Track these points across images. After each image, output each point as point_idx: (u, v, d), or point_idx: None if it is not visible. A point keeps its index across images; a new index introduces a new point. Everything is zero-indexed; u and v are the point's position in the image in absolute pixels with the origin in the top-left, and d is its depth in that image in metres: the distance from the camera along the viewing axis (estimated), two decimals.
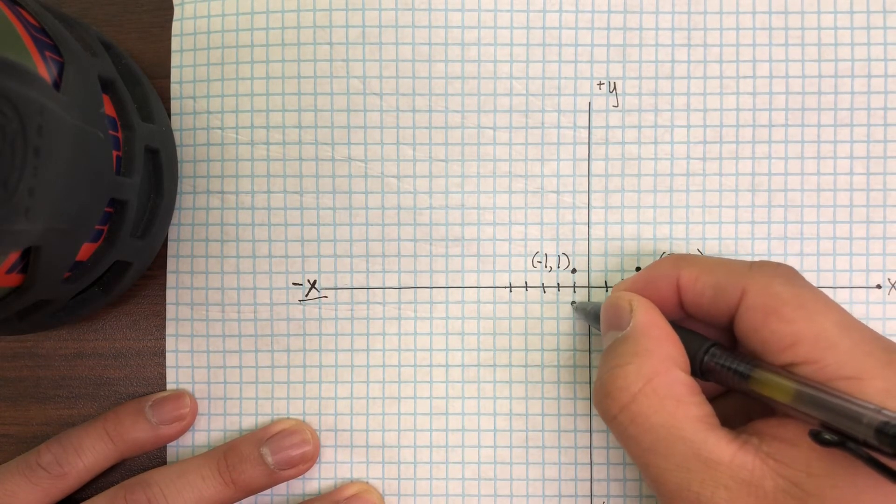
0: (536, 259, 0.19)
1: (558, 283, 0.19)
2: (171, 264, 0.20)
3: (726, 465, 0.13)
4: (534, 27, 0.19)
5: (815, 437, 0.13)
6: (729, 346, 0.15)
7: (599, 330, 0.17)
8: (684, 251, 0.19)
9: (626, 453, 0.18)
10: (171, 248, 0.20)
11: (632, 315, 0.15)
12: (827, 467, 0.13)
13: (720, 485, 0.13)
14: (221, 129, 0.20)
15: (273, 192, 0.19)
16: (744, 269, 0.15)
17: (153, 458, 0.20)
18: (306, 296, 0.19)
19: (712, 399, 0.15)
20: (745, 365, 0.14)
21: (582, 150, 0.19)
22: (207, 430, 0.19)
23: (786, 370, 0.14)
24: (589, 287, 0.19)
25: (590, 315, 0.18)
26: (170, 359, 0.20)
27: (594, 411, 0.19)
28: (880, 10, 0.19)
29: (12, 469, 0.18)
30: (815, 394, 0.13)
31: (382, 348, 0.19)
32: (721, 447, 0.13)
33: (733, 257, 0.19)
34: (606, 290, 0.19)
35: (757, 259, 0.19)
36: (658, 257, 0.19)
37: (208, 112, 0.19)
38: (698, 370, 0.15)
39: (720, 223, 0.19)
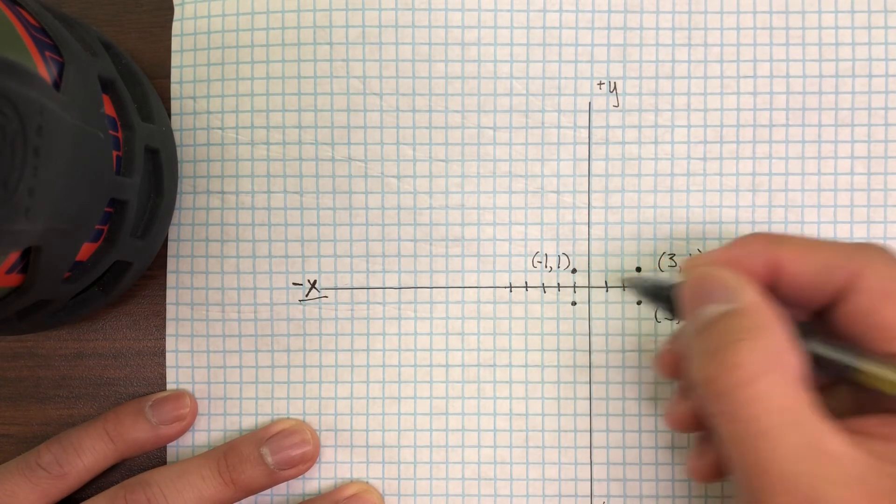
0: (536, 259, 0.19)
1: (558, 283, 0.19)
2: (171, 264, 0.20)
3: (841, 458, 0.12)
4: (534, 27, 0.19)
5: None
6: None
7: (657, 303, 0.16)
8: (685, 252, 0.19)
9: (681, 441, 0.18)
10: (171, 248, 0.20)
11: (741, 290, 0.14)
12: None
13: (834, 478, 0.12)
14: (221, 129, 0.20)
15: (273, 192, 0.19)
16: (853, 249, 0.14)
17: (153, 458, 0.20)
18: (306, 296, 0.19)
19: None
20: (850, 354, 0.14)
21: (582, 150, 0.19)
22: (207, 430, 0.19)
23: (889, 362, 0.13)
24: (589, 287, 0.19)
25: (647, 290, 0.17)
26: (170, 359, 0.20)
27: (594, 411, 0.19)
28: (881, 10, 0.19)
29: (12, 469, 0.18)
30: None
31: (382, 348, 0.19)
32: (837, 440, 0.13)
33: None
34: (607, 290, 0.19)
35: None
36: (658, 257, 0.19)
37: (208, 112, 0.19)
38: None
39: (720, 223, 0.19)
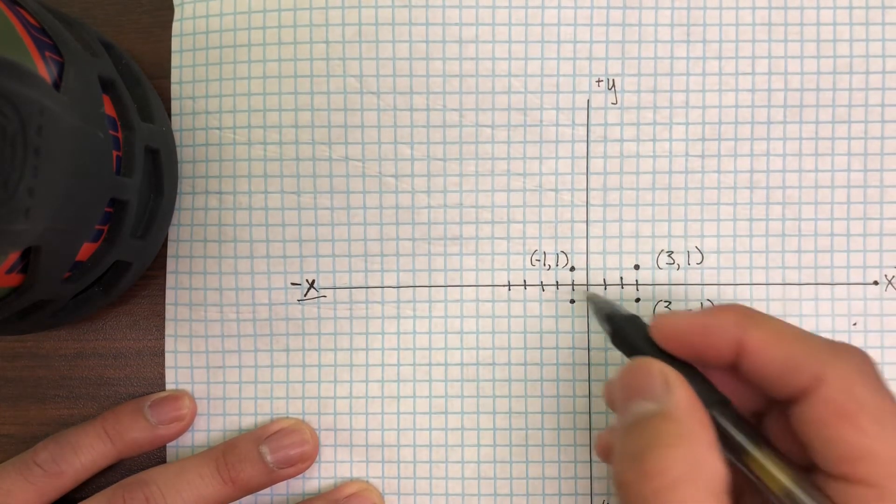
0: (535, 257, 0.19)
1: (557, 282, 0.19)
2: (170, 264, 0.20)
3: None
4: (532, 24, 0.19)
5: None
6: (747, 405, 0.14)
7: (602, 326, 0.16)
8: (682, 250, 0.19)
9: None
10: (171, 249, 0.20)
11: (669, 390, 0.14)
12: None
13: None
14: (220, 129, 0.20)
15: (271, 192, 0.19)
16: (823, 351, 0.13)
17: (152, 458, 0.20)
18: (305, 295, 0.19)
19: None
20: (748, 437, 0.13)
21: (580, 148, 0.19)
22: (207, 430, 0.19)
23: (784, 461, 0.13)
24: (587, 285, 0.19)
25: (600, 313, 0.17)
26: (169, 359, 0.20)
27: (594, 409, 0.19)
28: (879, 6, 0.19)
29: (9, 468, 0.18)
30: (808, 501, 0.12)
31: (381, 347, 0.19)
32: None
33: (754, 272, 0.18)
34: (605, 289, 0.19)
35: (752, 255, 0.19)
36: (656, 255, 0.19)
37: (208, 112, 0.20)
38: None
39: (718, 220, 0.19)
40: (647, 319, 0.19)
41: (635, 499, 0.13)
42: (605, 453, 0.16)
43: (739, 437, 0.13)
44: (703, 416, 0.14)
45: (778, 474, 0.13)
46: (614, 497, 0.19)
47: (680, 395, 0.14)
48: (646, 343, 0.15)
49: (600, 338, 0.19)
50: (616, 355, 0.19)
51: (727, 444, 0.14)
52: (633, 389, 0.14)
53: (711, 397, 0.14)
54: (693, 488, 0.13)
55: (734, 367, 0.15)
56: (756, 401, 0.15)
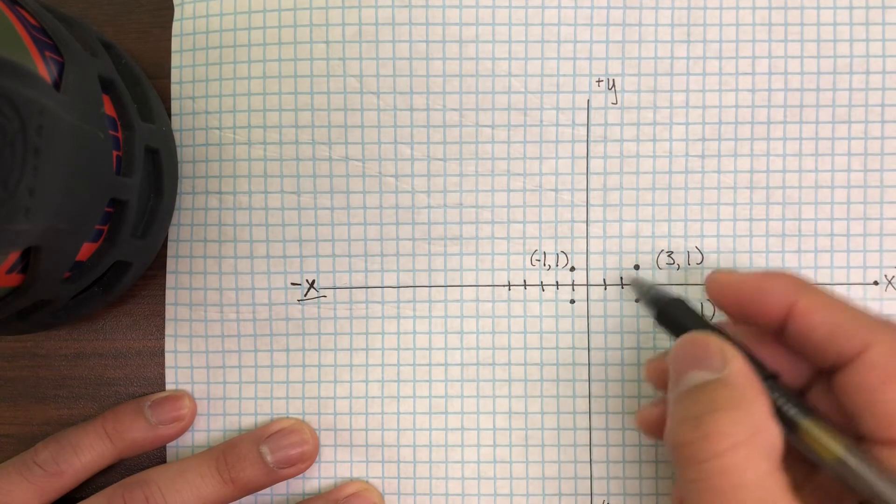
0: (535, 257, 0.19)
1: (557, 282, 0.19)
2: (170, 265, 0.20)
3: None
4: (532, 24, 0.19)
5: None
6: (798, 383, 0.15)
7: (649, 311, 0.16)
8: (683, 249, 0.19)
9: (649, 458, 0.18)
10: (171, 249, 0.20)
11: (726, 360, 0.14)
12: None
13: None
14: (220, 129, 0.20)
15: (271, 193, 0.19)
16: (871, 321, 0.14)
17: (153, 458, 0.20)
18: (305, 295, 0.19)
19: None
20: (798, 409, 0.13)
21: (580, 148, 0.19)
22: (207, 430, 0.20)
23: (836, 431, 0.13)
24: (587, 285, 0.19)
25: (645, 295, 0.17)
26: (169, 359, 0.20)
27: (593, 409, 0.19)
28: (879, 6, 0.19)
29: (9, 467, 0.18)
30: (862, 467, 0.12)
31: (381, 347, 0.19)
32: None
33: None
34: (605, 289, 0.19)
35: (752, 255, 0.19)
36: (656, 255, 0.19)
37: (208, 112, 0.20)
38: None
39: (718, 220, 0.19)
40: (649, 320, 0.19)
41: (692, 460, 0.13)
42: (647, 425, 0.17)
43: (791, 410, 0.14)
44: (759, 386, 0.14)
45: (830, 444, 0.13)
46: (614, 496, 0.19)
47: (737, 364, 0.14)
48: (694, 323, 0.16)
49: (600, 338, 0.19)
50: (617, 355, 0.19)
51: (779, 417, 0.14)
52: (689, 360, 0.15)
53: (762, 372, 0.14)
54: (751, 451, 0.13)
55: (780, 332, 0.15)
56: (799, 377, 0.16)
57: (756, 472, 0.13)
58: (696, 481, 0.13)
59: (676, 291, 0.18)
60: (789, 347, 0.15)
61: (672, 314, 0.16)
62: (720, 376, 0.14)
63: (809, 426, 0.13)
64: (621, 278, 0.19)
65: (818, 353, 0.14)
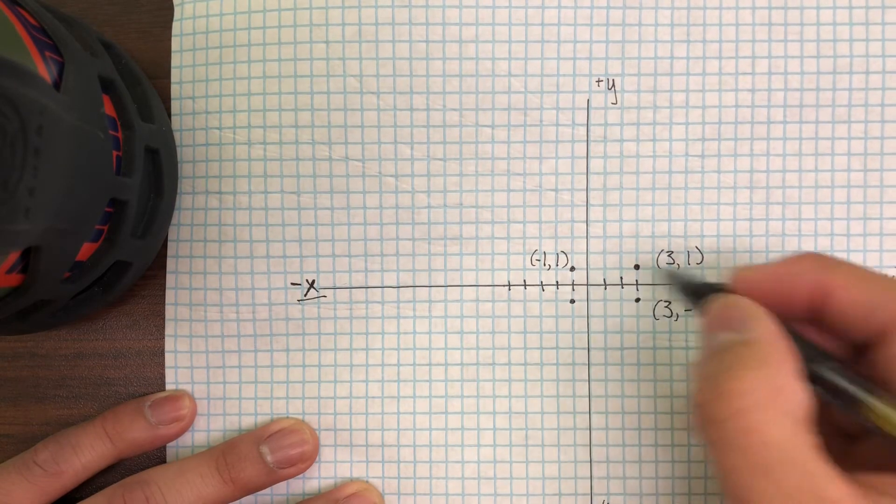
0: (535, 257, 0.19)
1: (557, 282, 0.19)
2: (170, 264, 0.20)
3: None
4: (532, 24, 0.19)
5: None
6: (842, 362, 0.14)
7: (687, 300, 0.16)
8: (683, 249, 0.19)
9: (688, 454, 0.17)
10: (171, 249, 0.20)
11: (754, 321, 0.14)
12: None
13: None
14: (220, 129, 0.20)
15: (271, 192, 0.19)
16: None
17: (153, 458, 0.20)
18: (305, 295, 0.19)
19: None
20: (863, 388, 0.13)
21: (580, 148, 0.19)
22: (207, 430, 0.20)
23: None
24: (587, 285, 0.19)
25: (682, 285, 0.17)
26: (169, 359, 0.20)
27: (593, 409, 0.19)
28: (878, 6, 0.19)
29: (9, 467, 0.18)
30: None
31: (381, 347, 0.19)
32: (837, 486, 0.12)
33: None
34: (605, 288, 0.19)
35: (752, 255, 0.19)
36: (656, 255, 0.19)
37: (208, 112, 0.20)
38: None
39: (718, 220, 0.19)
40: (648, 320, 0.19)
41: (711, 419, 0.13)
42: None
43: (852, 388, 0.13)
44: (787, 347, 0.13)
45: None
46: (614, 496, 0.19)
47: (764, 325, 0.14)
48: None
49: (600, 338, 0.19)
50: (617, 355, 0.19)
51: (840, 397, 0.13)
52: (718, 321, 0.14)
53: (817, 354, 0.14)
54: (772, 412, 0.12)
55: (814, 315, 0.15)
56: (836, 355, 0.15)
57: (781, 430, 0.12)
58: (718, 441, 0.13)
59: (631, 309, 0.19)
60: (823, 328, 0.15)
61: (709, 297, 0.16)
62: (746, 337, 0.14)
63: (873, 402, 0.13)
64: (621, 278, 0.19)
65: (856, 328, 0.14)
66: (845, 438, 0.15)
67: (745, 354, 0.13)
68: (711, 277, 0.19)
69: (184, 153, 0.20)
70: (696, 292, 0.16)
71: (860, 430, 0.15)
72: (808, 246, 0.19)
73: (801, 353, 0.14)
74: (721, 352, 0.14)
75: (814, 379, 0.14)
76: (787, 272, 0.15)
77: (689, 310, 0.19)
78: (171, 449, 0.20)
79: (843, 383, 0.13)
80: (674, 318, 0.19)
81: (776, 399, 0.13)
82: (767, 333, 0.14)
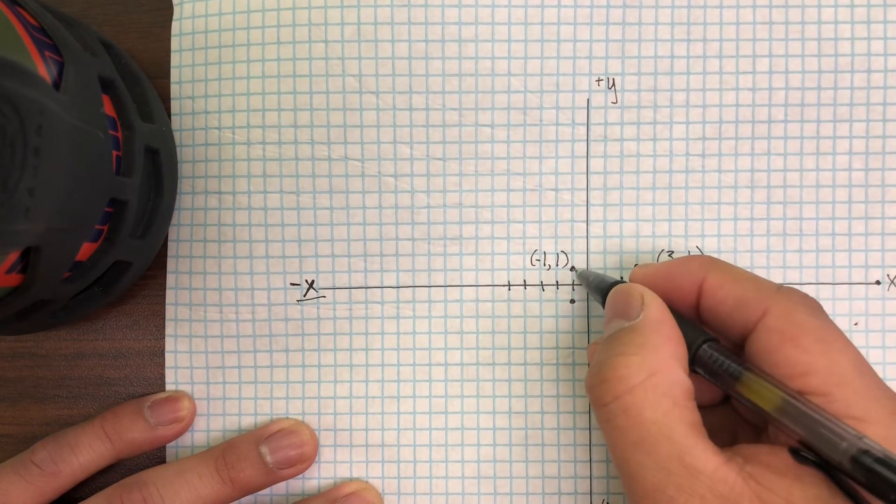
0: (535, 257, 0.19)
1: (557, 281, 0.19)
2: (170, 264, 0.20)
3: (708, 475, 0.13)
4: (532, 23, 0.19)
5: (794, 453, 0.13)
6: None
7: (597, 300, 0.17)
8: (683, 249, 0.19)
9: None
10: (171, 249, 0.20)
11: (643, 308, 0.15)
12: (807, 499, 0.12)
13: (696, 494, 0.13)
14: (220, 128, 0.20)
15: (270, 192, 0.19)
16: (771, 289, 0.15)
17: (152, 458, 0.20)
18: (304, 296, 0.19)
19: (701, 409, 0.15)
20: (736, 365, 0.14)
21: (580, 148, 0.19)
22: (207, 431, 0.20)
23: (776, 380, 0.14)
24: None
25: (591, 285, 0.18)
26: (168, 359, 0.20)
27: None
28: (880, 4, 0.19)
29: (7, 468, 0.18)
30: (801, 408, 0.13)
31: (381, 347, 0.19)
32: (707, 457, 0.13)
33: (755, 271, 0.19)
34: None
35: (753, 254, 0.19)
36: (657, 255, 0.19)
37: (208, 112, 0.20)
38: (690, 361, 0.15)
39: (719, 220, 0.19)
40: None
41: (597, 404, 0.14)
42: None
43: (729, 365, 0.14)
44: (671, 332, 0.15)
45: (768, 392, 0.14)
46: (613, 495, 0.19)
47: (651, 311, 0.15)
48: None
49: (600, 338, 0.19)
50: None
51: (718, 377, 0.14)
52: (613, 309, 0.16)
53: (700, 335, 0.15)
54: (650, 393, 0.14)
55: (696, 310, 0.16)
56: None
57: (654, 410, 0.13)
58: (602, 423, 0.14)
59: (617, 276, 0.19)
60: (707, 325, 0.16)
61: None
62: (631, 323, 0.15)
63: (749, 377, 0.14)
64: (621, 278, 0.19)
65: (728, 324, 0.15)
66: (731, 435, 0.16)
67: (626, 340, 0.15)
68: None
69: (184, 153, 0.20)
70: (604, 290, 0.17)
71: (707, 401, 0.16)
72: (809, 246, 0.19)
73: (686, 336, 0.15)
74: (609, 339, 0.15)
75: (695, 360, 0.15)
76: (675, 271, 0.16)
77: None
78: (171, 449, 0.20)
79: (720, 360, 0.14)
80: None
81: (651, 381, 0.14)
82: (651, 319, 0.15)
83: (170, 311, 0.20)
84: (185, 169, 0.20)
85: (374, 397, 0.19)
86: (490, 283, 0.19)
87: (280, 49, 0.19)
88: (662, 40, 0.19)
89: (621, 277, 0.19)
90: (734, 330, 0.15)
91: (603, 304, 0.17)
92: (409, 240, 0.19)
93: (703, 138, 0.19)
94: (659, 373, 0.14)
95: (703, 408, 0.15)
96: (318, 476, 0.19)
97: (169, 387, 0.20)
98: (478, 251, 0.19)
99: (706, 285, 0.15)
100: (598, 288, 0.17)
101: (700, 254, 0.17)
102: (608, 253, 0.19)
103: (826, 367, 0.13)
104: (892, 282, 0.19)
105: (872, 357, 0.19)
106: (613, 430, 0.14)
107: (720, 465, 0.13)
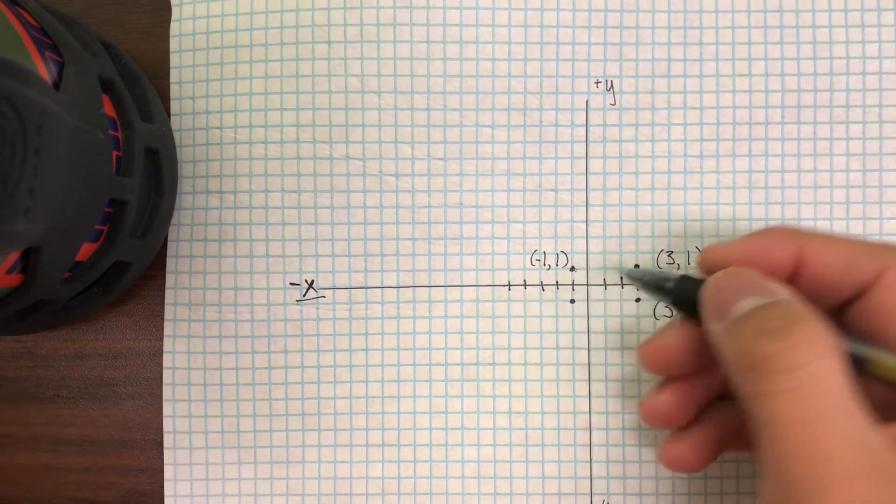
0: (535, 257, 0.19)
1: (557, 282, 0.19)
2: (170, 264, 0.20)
3: (883, 453, 0.12)
4: (531, 25, 0.19)
5: None
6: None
7: (655, 297, 0.16)
8: (682, 250, 0.19)
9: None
10: (171, 249, 0.20)
11: (774, 287, 0.14)
12: None
13: (878, 470, 0.12)
14: (220, 128, 0.20)
15: (271, 192, 0.19)
16: (876, 247, 0.14)
17: (152, 469, 0.20)
18: (304, 296, 0.19)
19: None
20: (863, 345, 0.13)
21: (579, 149, 0.19)
22: (205, 432, 0.19)
23: None
24: (587, 285, 0.19)
25: (646, 283, 0.16)
26: (167, 359, 0.20)
27: (593, 409, 0.19)
28: (874, 8, 0.19)
29: None
30: None
31: (381, 348, 0.19)
32: (879, 435, 0.12)
33: None
34: (605, 288, 0.19)
35: None
36: (657, 255, 0.19)
37: (207, 112, 0.20)
38: None
39: (718, 221, 0.19)
40: (649, 320, 0.19)
41: (781, 369, 0.12)
42: (653, 413, 0.16)
43: (853, 345, 0.14)
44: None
45: None
46: (613, 495, 0.19)
47: (780, 288, 0.14)
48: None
49: (600, 338, 0.19)
50: (617, 355, 0.19)
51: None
52: (736, 291, 0.14)
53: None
54: (832, 362, 0.12)
55: (791, 281, 0.15)
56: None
57: (843, 378, 0.12)
58: (784, 391, 0.12)
59: (631, 309, 0.18)
60: (803, 295, 0.15)
61: (687, 293, 0.16)
62: (782, 298, 0.13)
63: (879, 357, 0.13)
64: (621, 278, 0.19)
65: (835, 289, 0.14)
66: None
67: (790, 311, 0.13)
68: None
69: (184, 153, 0.20)
70: (659, 285, 0.16)
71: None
72: None
73: None
74: (762, 310, 0.13)
75: None
76: (759, 247, 0.15)
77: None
78: (169, 451, 0.20)
79: (849, 345, 0.14)
80: (674, 318, 0.19)
81: (831, 350, 0.13)
82: (790, 295, 0.14)
83: (169, 311, 0.20)
84: (185, 169, 0.20)
85: (374, 397, 0.19)
86: (490, 283, 0.19)
87: (283, 49, 0.19)
88: (659, 43, 0.19)
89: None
90: (841, 294, 0.14)
91: (665, 300, 0.16)
92: (409, 239, 0.19)
93: (701, 140, 0.19)
94: (835, 343, 0.13)
95: None
96: (319, 476, 0.19)
97: (166, 387, 0.20)
98: (478, 251, 0.19)
99: (808, 251, 0.14)
100: (658, 285, 0.16)
101: (773, 225, 0.15)
102: (608, 253, 0.19)
103: None
104: None
105: None
106: (797, 399, 0.12)
107: (890, 443, 0.12)
